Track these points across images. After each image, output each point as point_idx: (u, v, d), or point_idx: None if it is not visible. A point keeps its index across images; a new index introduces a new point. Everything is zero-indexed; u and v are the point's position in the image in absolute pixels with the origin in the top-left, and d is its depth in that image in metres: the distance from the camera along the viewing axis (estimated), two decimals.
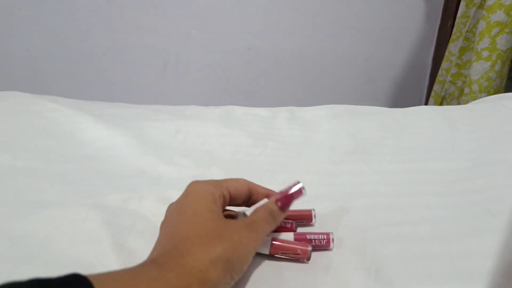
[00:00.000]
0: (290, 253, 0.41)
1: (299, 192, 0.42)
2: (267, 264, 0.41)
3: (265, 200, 0.42)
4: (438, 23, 1.65)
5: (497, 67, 1.33)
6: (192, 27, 1.57)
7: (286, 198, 0.41)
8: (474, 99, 1.30)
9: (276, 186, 0.55)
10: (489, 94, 1.35)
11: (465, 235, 0.44)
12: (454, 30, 1.48)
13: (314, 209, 0.47)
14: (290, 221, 0.46)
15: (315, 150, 0.66)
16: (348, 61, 1.70)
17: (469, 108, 0.84)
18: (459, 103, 1.52)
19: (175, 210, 0.39)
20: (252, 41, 1.62)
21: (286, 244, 0.41)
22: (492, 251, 0.42)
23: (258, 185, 0.44)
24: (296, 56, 1.66)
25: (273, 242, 0.41)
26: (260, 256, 0.42)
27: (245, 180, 0.43)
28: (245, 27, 1.59)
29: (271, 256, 0.42)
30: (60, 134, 0.66)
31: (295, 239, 0.43)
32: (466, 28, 1.42)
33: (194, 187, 0.40)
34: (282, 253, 0.41)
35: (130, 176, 0.57)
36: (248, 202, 0.44)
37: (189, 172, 0.58)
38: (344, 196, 0.53)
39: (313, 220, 0.47)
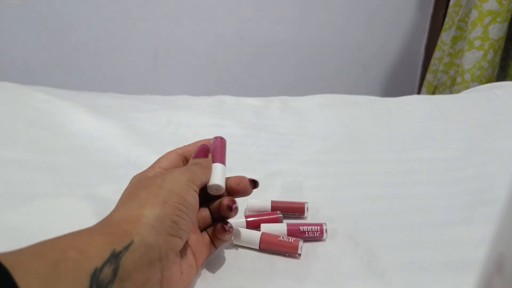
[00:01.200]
0: (281, 250, 0.41)
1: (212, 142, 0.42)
2: (259, 255, 0.41)
3: None
4: (431, 12, 1.65)
5: (489, 56, 1.33)
6: (183, 16, 1.55)
7: (199, 151, 0.40)
8: (466, 88, 1.31)
9: (269, 176, 0.55)
10: (481, 83, 1.35)
11: (457, 224, 0.44)
12: (447, 19, 1.48)
13: (307, 202, 0.47)
14: (278, 212, 0.46)
15: (307, 140, 0.66)
16: (341, 51, 1.70)
17: (461, 97, 0.84)
18: (451, 92, 1.52)
19: None
20: (244, 30, 1.61)
21: (276, 240, 0.41)
22: (483, 239, 0.42)
23: (188, 145, 0.42)
24: (289, 45, 1.66)
25: (263, 237, 0.41)
26: (251, 248, 0.42)
27: (173, 151, 0.42)
28: (237, 16, 1.58)
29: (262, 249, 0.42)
30: (50, 125, 0.66)
31: (288, 230, 0.43)
32: (459, 17, 1.41)
33: (131, 180, 0.39)
34: (272, 249, 0.41)
35: (121, 167, 0.57)
36: None
37: None
38: (336, 186, 0.53)
39: (306, 214, 0.47)
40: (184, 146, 0.42)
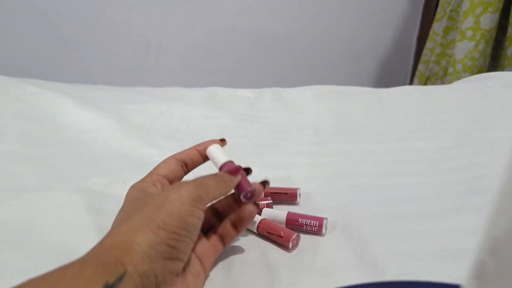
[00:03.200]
0: (275, 235, 0.41)
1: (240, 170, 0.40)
2: (252, 245, 0.41)
3: None
4: (423, 2, 1.65)
5: (480, 47, 1.33)
6: (174, 7, 1.54)
7: (233, 169, 0.39)
8: (458, 79, 1.31)
9: (262, 168, 0.55)
10: (472, 73, 1.36)
11: (449, 213, 0.45)
12: (439, 9, 1.48)
13: (299, 188, 0.48)
14: (269, 198, 0.47)
15: (300, 131, 0.66)
16: (333, 41, 1.69)
17: (453, 87, 0.85)
18: (443, 83, 1.53)
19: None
20: (236, 20, 1.60)
21: (273, 230, 0.41)
22: (475, 228, 0.42)
23: (188, 150, 0.40)
24: (281, 36, 1.65)
25: (260, 225, 0.41)
26: (245, 236, 0.42)
27: (172, 157, 0.40)
28: (229, 6, 1.57)
29: (256, 236, 0.42)
30: (40, 117, 0.65)
31: (287, 220, 0.42)
32: (450, 7, 1.41)
33: (128, 191, 0.36)
34: (267, 232, 0.41)
35: (113, 160, 0.56)
36: (188, 171, 0.41)
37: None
38: (329, 177, 0.53)
39: (298, 199, 0.47)
40: (184, 150, 0.40)
